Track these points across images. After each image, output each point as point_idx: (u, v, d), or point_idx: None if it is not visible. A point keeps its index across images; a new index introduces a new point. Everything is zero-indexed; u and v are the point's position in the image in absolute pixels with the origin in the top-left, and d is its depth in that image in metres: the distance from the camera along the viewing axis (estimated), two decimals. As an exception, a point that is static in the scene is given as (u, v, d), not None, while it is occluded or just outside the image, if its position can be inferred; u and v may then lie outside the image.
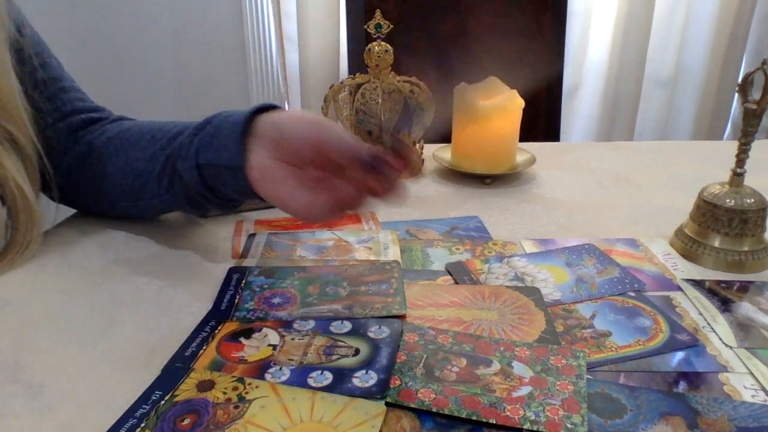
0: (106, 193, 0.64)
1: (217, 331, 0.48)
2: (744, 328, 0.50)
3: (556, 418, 0.39)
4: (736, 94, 0.58)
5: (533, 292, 0.54)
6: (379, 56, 0.81)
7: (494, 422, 0.39)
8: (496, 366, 0.44)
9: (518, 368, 0.44)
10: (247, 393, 0.41)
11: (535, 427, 0.38)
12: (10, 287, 0.56)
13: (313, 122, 0.51)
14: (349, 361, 0.44)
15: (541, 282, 0.56)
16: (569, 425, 0.38)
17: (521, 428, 0.38)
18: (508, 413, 0.39)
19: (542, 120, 1.36)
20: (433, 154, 0.86)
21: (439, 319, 0.50)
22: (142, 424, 0.39)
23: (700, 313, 0.52)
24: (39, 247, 0.60)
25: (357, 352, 0.45)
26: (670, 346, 0.47)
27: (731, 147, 0.62)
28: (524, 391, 0.41)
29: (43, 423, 0.40)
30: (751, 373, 0.44)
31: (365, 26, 0.81)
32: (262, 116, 0.54)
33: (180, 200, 0.59)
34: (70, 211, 0.70)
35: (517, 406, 0.40)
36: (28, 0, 0.67)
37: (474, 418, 0.39)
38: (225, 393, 0.41)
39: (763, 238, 0.61)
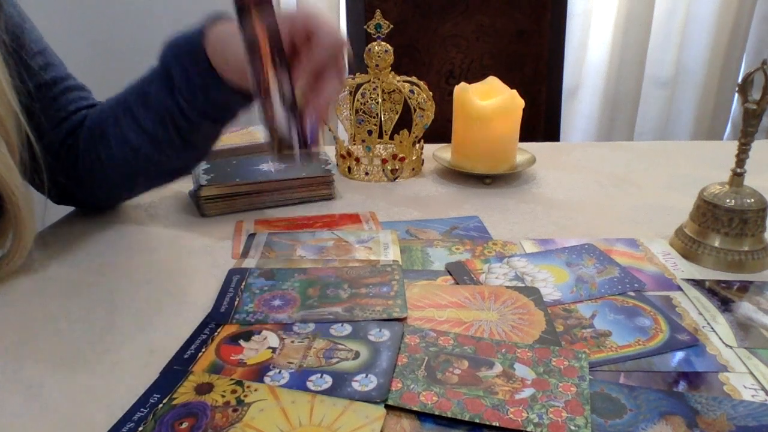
0: (121, 173, 0.65)
1: (216, 333, 0.48)
2: (744, 328, 0.50)
3: (559, 420, 0.39)
4: (736, 94, 0.58)
5: (533, 292, 0.54)
6: (379, 56, 0.80)
7: (497, 425, 0.39)
8: (498, 368, 0.44)
9: (520, 370, 0.44)
10: (245, 396, 0.41)
11: (538, 430, 0.38)
12: (11, 288, 0.56)
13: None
14: (349, 365, 0.44)
15: (541, 282, 0.56)
16: (572, 427, 0.38)
17: (524, 431, 0.38)
18: (510, 415, 0.39)
19: (542, 120, 1.36)
20: (433, 154, 0.86)
21: (439, 320, 0.50)
22: (140, 428, 0.38)
23: (700, 313, 0.52)
24: (38, 247, 0.60)
25: (357, 355, 0.45)
26: (670, 346, 0.47)
27: (731, 147, 0.62)
28: (527, 393, 0.41)
29: (42, 423, 0.40)
30: (751, 373, 0.44)
31: (365, 26, 0.81)
32: (208, 44, 0.56)
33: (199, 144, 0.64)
34: (58, 210, 0.70)
35: (520, 408, 0.40)
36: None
37: (477, 421, 0.39)
38: (224, 396, 0.41)
39: (763, 238, 0.61)
